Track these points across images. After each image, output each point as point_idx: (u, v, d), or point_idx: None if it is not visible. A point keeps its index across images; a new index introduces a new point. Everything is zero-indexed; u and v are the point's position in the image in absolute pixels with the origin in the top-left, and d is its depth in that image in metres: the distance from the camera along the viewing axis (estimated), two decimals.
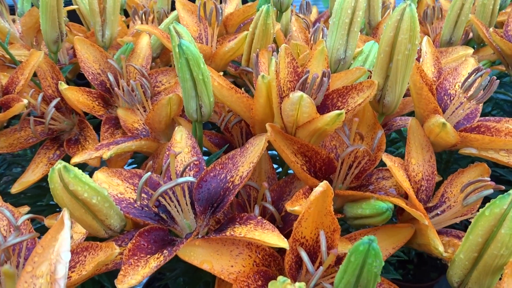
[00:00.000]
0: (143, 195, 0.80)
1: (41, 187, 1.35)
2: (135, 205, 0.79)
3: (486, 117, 1.07)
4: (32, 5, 1.59)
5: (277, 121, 0.88)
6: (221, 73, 1.18)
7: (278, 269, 0.75)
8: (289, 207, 0.75)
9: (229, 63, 1.30)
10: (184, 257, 0.69)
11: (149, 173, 0.76)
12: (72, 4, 1.65)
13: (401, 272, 1.76)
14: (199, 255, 0.69)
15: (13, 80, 1.19)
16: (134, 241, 0.70)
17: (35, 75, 1.22)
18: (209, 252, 0.70)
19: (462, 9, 1.36)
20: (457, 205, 0.87)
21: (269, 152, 1.00)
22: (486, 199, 0.80)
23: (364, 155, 0.91)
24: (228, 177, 0.82)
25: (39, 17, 1.23)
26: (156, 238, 0.74)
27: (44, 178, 1.13)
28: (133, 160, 1.32)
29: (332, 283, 0.68)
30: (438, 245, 0.79)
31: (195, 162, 0.86)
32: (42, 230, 0.83)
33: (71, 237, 0.66)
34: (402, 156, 0.95)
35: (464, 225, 1.18)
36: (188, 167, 0.86)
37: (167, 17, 1.51)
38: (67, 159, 1.02)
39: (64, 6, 1.26)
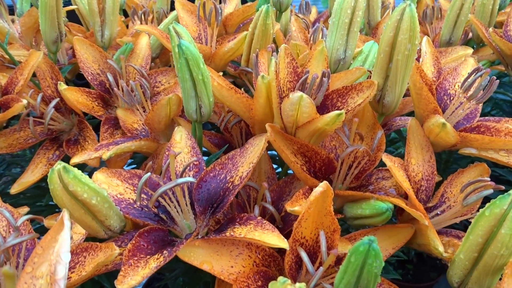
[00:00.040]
0: (142, 195, 0.80)
1: (41, 187, 1.35)
2: (135, 206, 0.79)
3: (486, 117, 1.07)
4: (31, 5, 1.59)
5: (276, 121, 0.88)
6: (221, 73, 1.18)
7: (278, 270, 0.75)
8: (289, 207, 0.75)
9: (229, 63, 1.30)
10: (184, 258, 0.68)
11: (149, 173, 0.76)
12: (71, 4, 1.65)
13: (400, 272, 1.76)
14: (199, 256, 0.69)
15: (12, 81, 1.19)
16: (133, 242, 0.70)
17: (34, 75, 1.22)
18: (209, 252, 0.70)
19: (462, 9, 1.36)
20: (457, 205, 0.87)
21: (268, 152, 0.99)
22: (486, 199, 0.80)
23: (364, 155, 0.91)
24: (228, 178, 0.82)
25: (38, 17, 1.23)
26: (156, 239, 0.74)
27: (44, 179, 1.13)
28: (132, 160, 1.32)
29: (332, 284, 0.68)
30: (438, 245, 0.79)
31: (195, 163, 0.86)
32: (41, 230, 0.83)
33: (71, 237, 0.66)
34: (401, 156, 0.95)
35: (463, 225, 1.18)
36: (188, 168, 0.85)
37: (166, 17, 1.51)
38: (66, 159, 1.02)
39: (63, 6, 1.26)
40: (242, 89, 1.15)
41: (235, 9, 1.45)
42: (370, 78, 0.98)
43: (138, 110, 1.11)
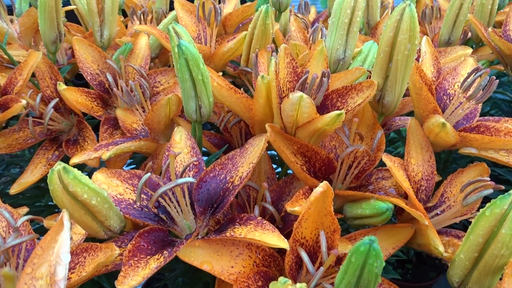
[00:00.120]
0: (142, 195, 0.79)
1: (40, 187, 1.34)
2: (135, 206, 0.79)
3: (485, 117, 1.07)
4: (30, 5, 1.59)
5: (276, 122, 0.88)
6: (220, 74, 1.18)
7: (278, 270, 0.75)
8: (289, 207, 0.75)
9: (228, 63, 1.30)
10: (184, 258, 0.68)
11: (149, 174, 0.76)
12: (70, 4, 1.65)
13: (400, 271, 1.76)
14: (199, 256, 0.69)
15: (11, 81, 1.18)
16: (134, 242, 0.70)
17: (33, 75, 1.22)
18: (209, 252, 0.70)
19: (461, 9, 1.36)
20: (457, 205, 0.87)
21: (268, 152, 0.99)
22: (486, 199, 0.80)
23: (363, 155, 0.91)
24: (227, 178, 0.82)
25: (37, 18, 1.23)
26: (156, 239, 0.74)
27: (43, 179, 1.13)
28: (131, 160, 1.32)
29: (332, 284, 0.68)
30: (438, 245, 0.79)
31: (195, 163, 0.86)
32: (41, 231, 0.83)
33: (71, 238, 0.66)
34: (400, 156, 0.95)
35: (463, 225, 1.18)
36: (188, 168, 0.85)
37: (165, 17, 1.51)
38: (66, 159, 1.02)
39: (62, 6, 1.26)
40: (242, 89, 1.15)
41: (234, 9, 1.45)
42: (369, 78, 0.98)
43: (137, 110, 1.10)
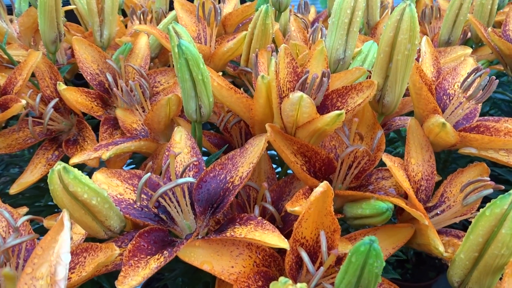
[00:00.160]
0: (142, 195, 0.79)
1: (40, 187, 1.34)
2: (135, 206, 0.79)
3: (485, 117, 1.07)
4: (30, 5, 1.59)
5: (276, 122, 0.88)
6: (220, 73, 1.18)
7: (278, 270, 0.75)
8: (290, 207, 0.75)
9: (228, 63, 1.30)
10: (185, 258, 0.68)
11: (149, 174, 0.76)
12: (69, 4, 1.65)
13: (399, 271, 1.76)
14: (200, 256, 0.69)
15: (11, 81, 1.18)
16: (134, 242, 0.70)
17: (33, 75, 1.22)
18: (210, 252, 0.70)
19: (461, 9, 1.36)
20: (457, 205, 0.87)
21: (268, 152, 0.99)
22: (486, 199, 0.80)
23: (363, 155, 0.91)
24: (227, 178, 0.82)
25: (37, 17, 1.23)
26: (156, 239, 0.74)
27: (43, 179, 1.13)
28: (131, 160, 1.31)
29: (332, 284, 0.68)
30: (438, 245, 0.79)
31: (195, 163, 0.86)
32: (40, 231, 0.83)
33: (71, 238, 0.66)
34: (400, 155, 0.95)
35: (462, 225, 1.18)
36: (188, 168, 0.85)
37: (165, 17, 1.51)
38: (66, 159, 1.01)
39: (61, 6, 1.26)
40: (242, 89, 1.15)
41: (234, 9, 1.45)
42: (369, 78, 0.98)
43: (137, 110, 1.10)
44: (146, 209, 0.79)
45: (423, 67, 1.07)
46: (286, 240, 0.67)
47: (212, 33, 1.27)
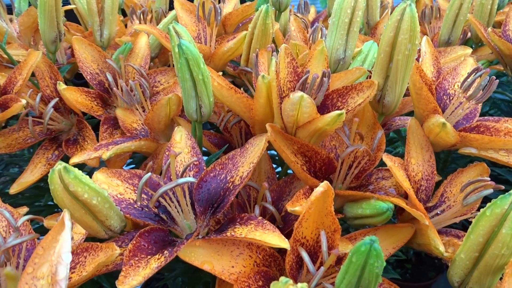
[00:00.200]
0: (143, 195, 0.79)
1: (39, 187, 1.34)
2: (135, 206, 0.79)
3: (485, 117, 1.07)
4: (30, 5, 1.58)
5: (277, 121, 0.88)
6: (220, 73, 1.18)
7: (278, 270, 0.75)
8: (290, 207, 0.75)
9: (228, 63, 1.30)
10: (185, 258, 0.68)
11: (149, 173, 0.76)
12: (69, 4, 1.64)
13: (399, 271, 1.76)
14: (200, 256, 0.69)
15: (11, 80, 1.18)
16: (134, 242, 0.70)
17: (33, 75, 1.22)
18: (210, 252, 0.70)
19: (461, 9, 1.36)
20: (457, 205, 0.87)
21: (268, 151, 0.99)
22: (485, 199, 0.80)
23: (364, 155, 0.91)
24: (228, 178, 0.82)
25: (37, 17, 1.23)
26: (156, 239, 0.74)
27: (42, 179, 1.13)
28: (131, 160, 1.31)
29: (332, 283, 0.68)
30: (439, 245, 0.79)
31: (195, 163, 0.86)
32: (40, 230, 0.83)
33: (72, 238, 0.66)
34: (400, 155, 0.95)
35: (462, 225, 1.18)
36: (188, 168, 0.85)
37: (165, 16, 1.51)
38: (66, 159, 1.01)
39: (61, 6, 1.26)
40: (241, 89, 1.15)
41: (234, 8, 1.45)
42: (369, 78, 0.98)
43: (137, 110, 1.10)
44: (147, 209, 0.79)
45: (423, 67, 1.08)
46: (286, 240, 0.67)
47: (212, 33, 1.27)
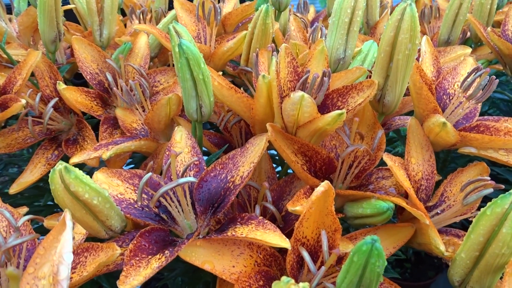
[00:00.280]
0: (143, 195, 0.79)
1: (39, 187, 1.34)
2: (136, 206, 0.79)
3: (485, 117, 1.07)
4: (29, 4, 1.58)
5: (277, 121, 0.88)
6: (220, 73, 1.18)
7: (279, 269, 0.75)
8: (291, 207, 0.75)
9: (228, 62, 1.30)
10: (186, 258, 0.68)
11: (150, 173, 0.76)
12: (69, 4, 1.64)
13: (398, 270, 1.76)
14: (201, 256, 0.69)
15: (10, 80, 1.18)
16: (135, 242, 0.70)
17: (32, 75, 1.21)
18: (211, 252, 0.70)
19: (460, 9, 1.36)
20: (457, 204, 0.87)
21: (268, 151, 0.99)
22: (485, 198, 0.80)
23: (364, 155, 0.91)
24: (228, 177, 0.82)
25: (36, 17, 1.23)
26: (157, 239, 0.74)
27: (42, 178, 1.13)
28: (131, 160, 1.31)
29: (333, 283, 0.69)
30: (439, 245, 0.79)
31: (195, 162, 0.86)
32: (40, 230, 0.83)
33: (73, 238, 0.66)
34: (399, 155, 0.95)
35: (461, 224, 1.18)
36: (189, 167, 0.85)
37: (164, 16, 1.51)
38: (65, 159, 1.01)
39: (61, 6, 1.25)
40: (241, 88, 1.15)
41: (234, 8, 1.45)
42: (369, 77, 0.98)
43: (137, 109, 1.10)
44: (147, 209, 0.79)
45: (423, 67, 1.08)
46: (287, 239, 0.67)
47: (212, 32, 1.27)
